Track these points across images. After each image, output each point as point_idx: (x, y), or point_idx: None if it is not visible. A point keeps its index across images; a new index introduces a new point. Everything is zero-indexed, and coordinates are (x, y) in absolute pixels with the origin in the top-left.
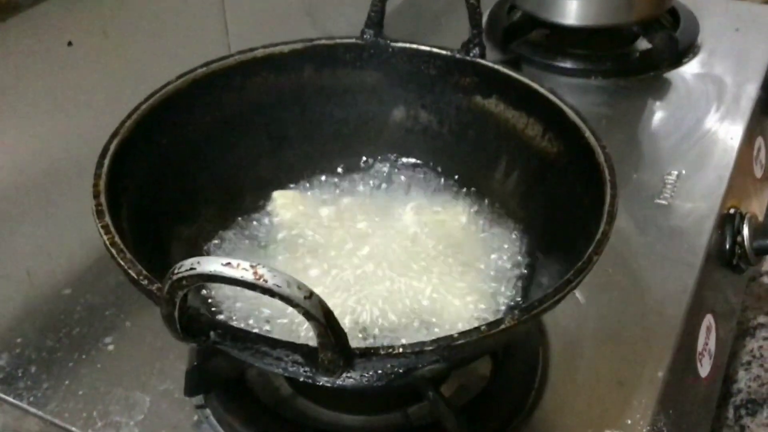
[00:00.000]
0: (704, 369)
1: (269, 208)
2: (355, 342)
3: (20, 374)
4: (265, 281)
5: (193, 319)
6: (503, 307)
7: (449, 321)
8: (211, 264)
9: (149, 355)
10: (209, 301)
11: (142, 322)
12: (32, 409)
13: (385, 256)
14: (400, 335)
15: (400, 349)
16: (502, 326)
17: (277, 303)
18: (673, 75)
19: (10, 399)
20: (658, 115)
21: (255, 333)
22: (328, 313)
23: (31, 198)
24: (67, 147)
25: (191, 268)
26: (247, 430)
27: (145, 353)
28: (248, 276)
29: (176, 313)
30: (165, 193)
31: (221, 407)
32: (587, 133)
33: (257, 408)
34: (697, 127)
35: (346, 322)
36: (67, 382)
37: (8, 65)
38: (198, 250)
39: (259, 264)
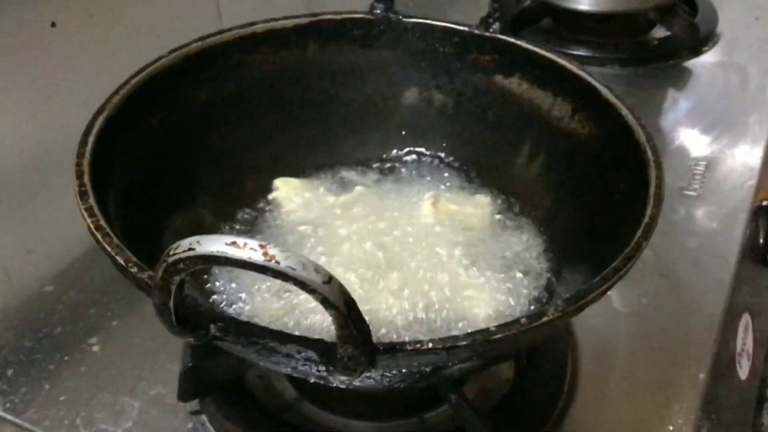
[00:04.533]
0: (743, 371)
1: (270, 196)
2: None
3: None
4: (277, 263)
5: (191, 311)
6: (530, 306)
7: (460, 325)
8: (213, 243)
9: (138, 356)
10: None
11: (130, 320)
12: (8, 416)
13: (401, 251)
14: (405, 339)
15: (430, 344)
16: (545, 319)
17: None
18: (694, 64)
19: None
20: (681, 105)
21: (262, 327)
22: (349, 301)
23: (9, 189)
24: (49, 135)
25: (190, 248)
26: None
27: (134, 355)
28: (257, 257)
29: (171, 303)
30: (157, 177)
31: (219, 413)
32: (624, 111)
33: (259, 414)
34: (722, 118)
35: None
36: (47, 387)
37: None
38: None
39: (269, 243)
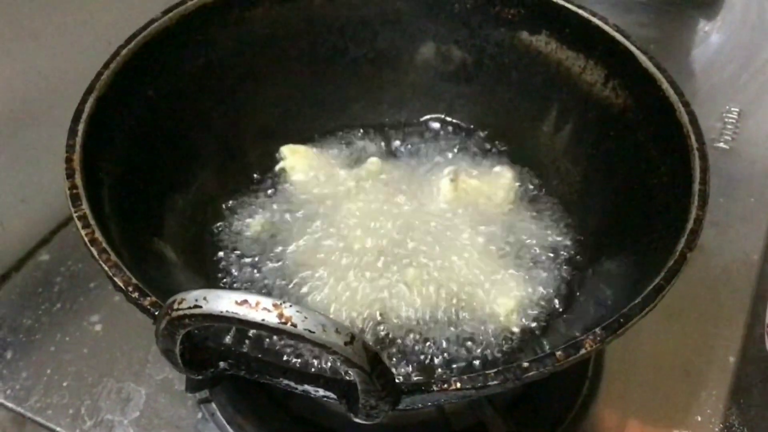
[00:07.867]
0: None
1: (277, 167)
2: (373, 338)
3: None
4: (294, 325)
5: (198, 349)
6: (550, 301)
7: (481, 316)
8: (221, 301)
9: (143, 336)
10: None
11: None
12: (9, 404)
13: (412, 233)
14: (423, 330)
15: (458, 384)
16: (582, 351)
17: None
18: None
19: None
20: (713, 39)
21: (276, 365)
22: (373, 358)
23: (2, 137)
24: (44, 78)
25: (196, 305)
26: (260, 429)
27: (139, 334)
28: (271, 319)
29: (177, 350)
30: (154, 156)
31: (229, 403)
32: (665, 85)
33: (268, 402)
34: (757, 54)
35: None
36: (49, 371)
37: None
38: (195, 224)
39: (284, 301)
